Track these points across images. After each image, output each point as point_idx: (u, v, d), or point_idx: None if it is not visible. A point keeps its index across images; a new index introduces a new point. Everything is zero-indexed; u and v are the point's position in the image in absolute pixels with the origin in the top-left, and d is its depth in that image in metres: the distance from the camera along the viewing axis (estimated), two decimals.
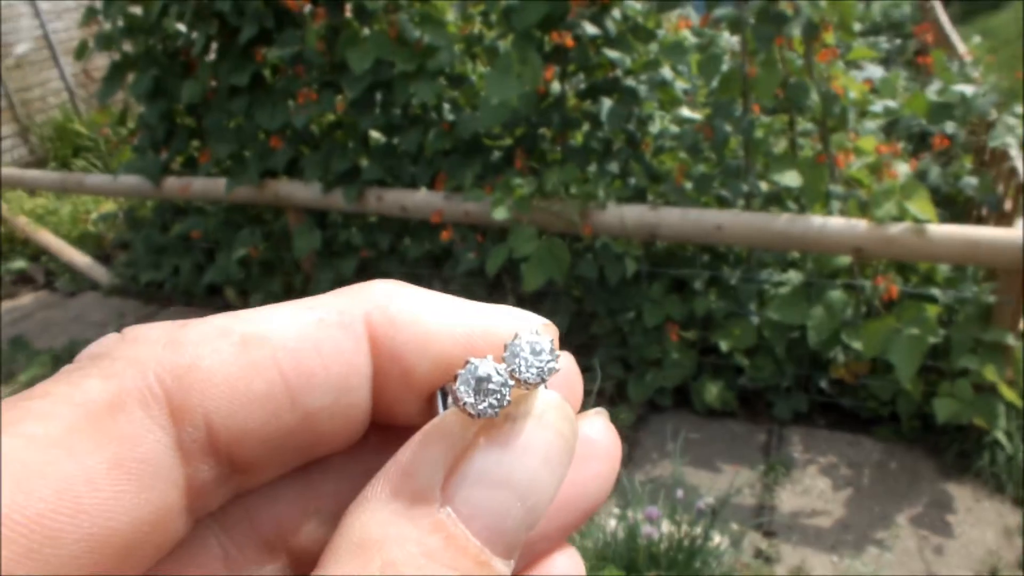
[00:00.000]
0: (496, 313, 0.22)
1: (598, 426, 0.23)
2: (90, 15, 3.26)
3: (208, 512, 0.20)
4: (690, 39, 2.73)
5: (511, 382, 0.19)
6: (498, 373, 0.19)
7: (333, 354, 0.20)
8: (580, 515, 0.22)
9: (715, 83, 2.50)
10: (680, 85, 2.87)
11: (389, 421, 0.22)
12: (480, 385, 0.19)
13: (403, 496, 0.18)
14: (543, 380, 0.20)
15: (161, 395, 0.18)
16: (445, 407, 0.21)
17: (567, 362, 0.23)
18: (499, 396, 0.19)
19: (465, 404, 0.19)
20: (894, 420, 2.49)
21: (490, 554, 0.18)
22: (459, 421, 0.19)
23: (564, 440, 0.20)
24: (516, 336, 0.20)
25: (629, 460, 2.49)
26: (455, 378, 0.19)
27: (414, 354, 0.21)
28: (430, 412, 0.21)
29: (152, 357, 0.18)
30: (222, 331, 0.19)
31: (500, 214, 2.40)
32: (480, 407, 0.19)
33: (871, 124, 2.84)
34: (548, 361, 0.20)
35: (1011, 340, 2.15)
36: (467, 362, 0.19)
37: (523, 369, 0.19)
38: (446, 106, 2.87)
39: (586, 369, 2.81)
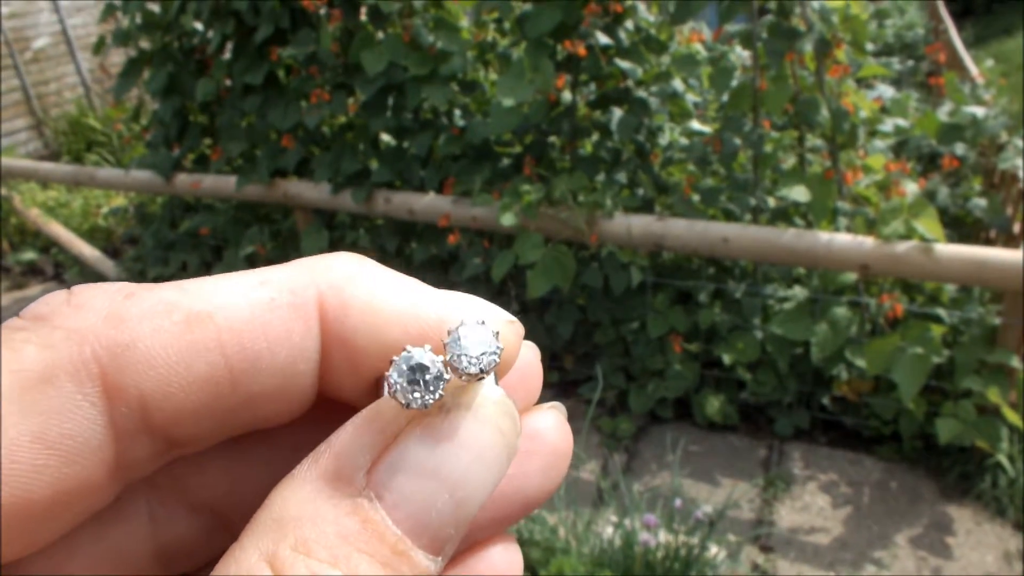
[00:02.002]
0: (456, 302, 0.21)
1: (548, 420, 0.22)
2: (109, 11, 3.29)
3: (139, 478, 0.20)
4: (702, 52, 2.74)
5: (447, 374, 0.19)
6: (434, 364, 0.19)
7: (280, 337, 0.19)
8: (519, 509, 0.22)
9: (725, 97, 2.51)
10: (691, 98, 2.88)
11: (335, 397, 0.21)
12: (414, 375, 0.18)
13: (327, 476, 0.18)
14: (482, 373, 0.19)
15: (96, 372, 0.17)
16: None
17: (527, 352, 0.22)
18: (432, 387, 0.18)
19: (396, 393, 0.18)
20: (896, 439, 2.47)
21: (411, 544, 0.18)
22: (394, 408, 0.19)
23: (502, 437, 0.19)
24: (458, 326, 0.19)
25: (628, 470, 2.48)
26: (390, 364, 0.19)
27: (363, 339, 0.20)
28: (375, 396, 0.21)
29: (91, 331, 0.18)
30: (168, 307, 0.18)
31: (507, 220, 2.40)
32: (411, 397, 0.18)
33: (881, 143, 2.85)
34: (489, 354, 0.19)
35: (1015, 362, 2.14)
36: (403, 350, 0.19)
37: (462, 361, 0.19)
38: (457, 111, 2.89)
39: (588, 378, 2.81)
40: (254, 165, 3.10)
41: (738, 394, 2.63)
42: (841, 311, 2.37)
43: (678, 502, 1.71)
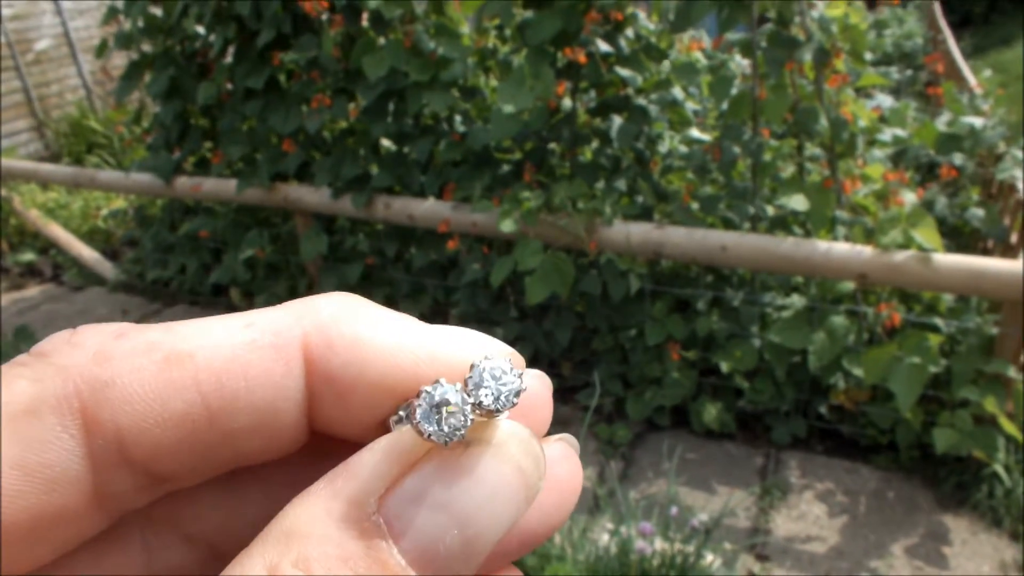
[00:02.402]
0: (447, 337, 0.21)
1: (557, 453, 0.22)
2: (112, 14, 3.30)
3: (131, 510, 0.20)
4: (702, 61, 2.75)
5: (472, 414, 0.19)
6: (461, 402, 0.18)
7: (259, 377, 0.20)
8: (520, 545, 0.21)
9: (725, 105, 2.52)
10: (690, 106, 2.89)
11: (331, 434, 0.21)
12: (439, 410, 0.18)
13: (340, 497, 0.18)
14: (505, 407, 0.19)
15: (77, 407, 0.18)
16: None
17: (536, 383, 0.22)
18: (458, 421, 0.18)
19: (419, 424, 0.18)
20: (893, 449, 2.48)
21: (415, 575, 0.18)
22: (414, 438, 0.19)
23: (521, 477, 0.19)
24: (477, 363, 0.19)
25: (624, 477, 2.48)
26: (416, 397, 0.19)
27: (351, 378, 0.20)
28: (374, 432, 0.21)
29: (77, 368, 0.19)
30: (149, 347, 0.19)
31: (507, 226, 2.41)
32: (437, 433, 0.18)
33: (879, 152, 2.86)
34: (511, 386, 0.19)
35: (1013, 373, 2.14)
36: (422, 390, 0.19)
37: (482, 395, 0.19)
38: (457, 117, 2.90)
39: (586, 385, 2.81)
40: (254, 169, 3.11)
41: (735, 402, 2.63)
42: (839, 320, 2.38)
43: (674, 510, 1.71)
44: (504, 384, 0.19)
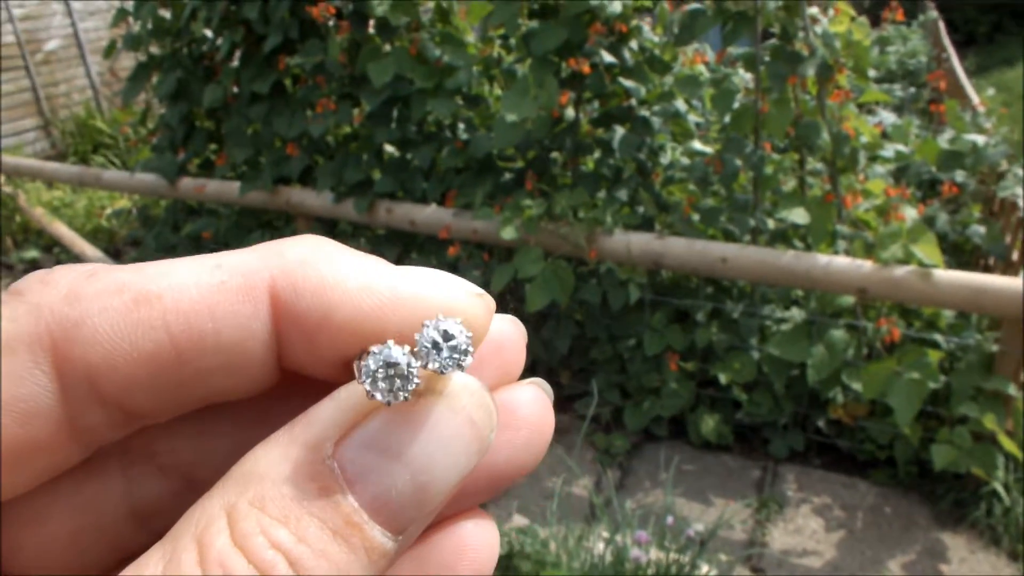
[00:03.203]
0: (414, 279, 0.21)
1: (526, 395, 0.22)
2: (121, 16, 3.32)
3: (108, 443, 0.21)
4: (705, 74, 2.76)
5: (417, 363, 0.19)
6: (408, 365, 0.19)
7: (227, 318, 0.20)
8: (488, 485, 0.22)
9: (727, 118, 2.53)
10: (693, 118, 2.90)
11: (301, 372, 0.22)
12: (386, 371, 0.19)
13: (297, 443, 0.19)
14: (450, 369, 0.19)
15: (48, 344, 0.19)
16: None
17: (509, 327, 0.23)
18: (402, 387, 0.19)
19: (366, 384, 0.19)
20: (891, 464, 2.47)
21: (366, 518, 0.18)
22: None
23: (474, 427, 0.20)
24: (425, 325, 0.19)
25: (621, 486, 2.48)
26: (360, 359, 0.19)
27: (316, 322, 0.20)
28: (341, 373, 0.21)
29: (49, 306, 0.19)
30: (119, 288, 0.20)
31: (508, 233, 2.41)
32: (390, 395, 0.19)
33: (881, 168, 2.86)
34: (458, 348, 0.19)
35: (1012, 390, 2.14)
36: (370, 350, 0.19)
37: (433, 355, 0.19)
38: (461, 125, 2.91)
39: (584, 394, 2.81)
40: (258, 172, 3.12)
41: (733, 414, 2.63)
42: (838, 334, 2.37)
43: (670, 520, 1.70)
44: (453, 346, 0.19)
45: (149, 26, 3.19)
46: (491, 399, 0.20)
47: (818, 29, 2.38)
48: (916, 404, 2.14)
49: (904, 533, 2.25)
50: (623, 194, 2.60)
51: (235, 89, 3.14)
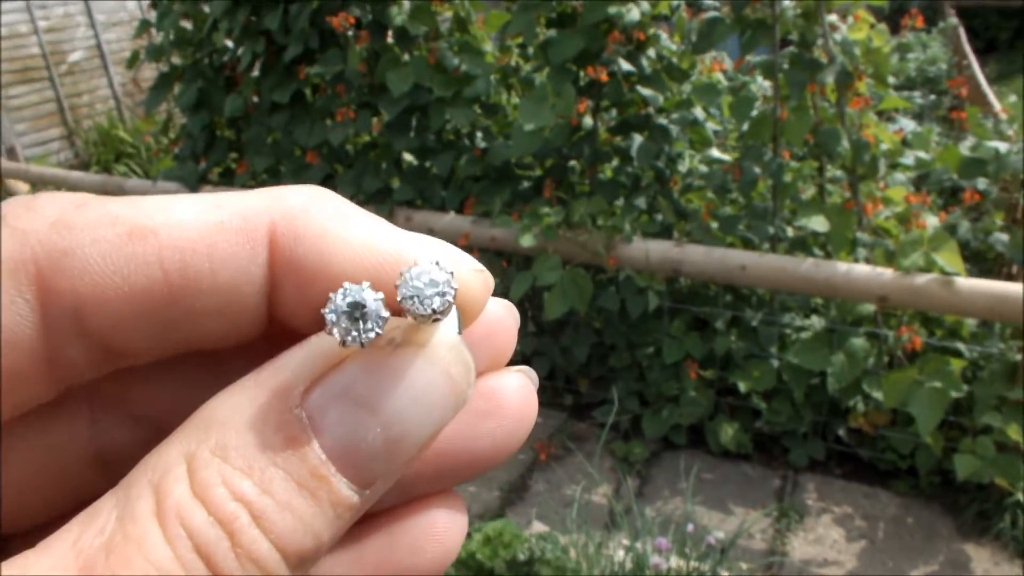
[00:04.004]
0: (417, 240, 0.20)
1: (512, 382, 0.22)
2: (144, 27, 3.37)
3: (83, 382, 0.20)
4: (723, 81, 2.76)
5: (385, 311, 0.18)
6: (372, 301, 0.18)
7: (224, 260, 0.19)
8: (466, 469, 0.21)
9: (746, 126, 2.53)
10: (711, 126, 2.90)
11: (289, 326, 0.21)
12: (351, 312, 0.18)
13: (263, 388, 0.18)
14: (436, 314, 0.18)
15: (33, 272, 0.18)
16: None
17: (501, 310, 0.22)
18: (370, 325, 0.18)
19: (332, 330, 0.18)
20: (912, 474, 2.45)
21: (334, 471, 0.17)
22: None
23: (449, 383, 0.19)
24: (412, 265, 0.19)
25: (640, 494, 2.47)
26: (326, 302, 0.18)
27: (312, 269, 0.20)
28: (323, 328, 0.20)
29: (35, 233, 0.18)
30: (112, 220, 0.19)
31: (526, 241, 2.42)
32: (348, 335, 0.18)
33: (901, 175, 2.84)
34: (441, 294, 0.18)
35: None
36: (343, 285, 0.18)
37: (413, 302, 0.18)
38: (479, 133, 2.92)
39: (602, 402, 2.81)
40: (278, 180, 3.15)
41: (752, 423, 2.61)
42: (859, 342, 2.36)
43: (690, 527, 1.70)
44: (433, 288, 0.18)
45: (171, 37, 3.23)
46: (470, 354, 0.19)
47: (837, 36, 2.37)
48: (938, 414, 2.12)
49: (927, 544, 2.22)
50: (641, 202, 2.61)
51: (255, 99, 3.17)
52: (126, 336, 0.19)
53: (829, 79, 2.30)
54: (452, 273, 0.19)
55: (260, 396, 0.18)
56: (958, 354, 2.32)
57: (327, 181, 3.10)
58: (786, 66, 2.36)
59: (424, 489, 0.21)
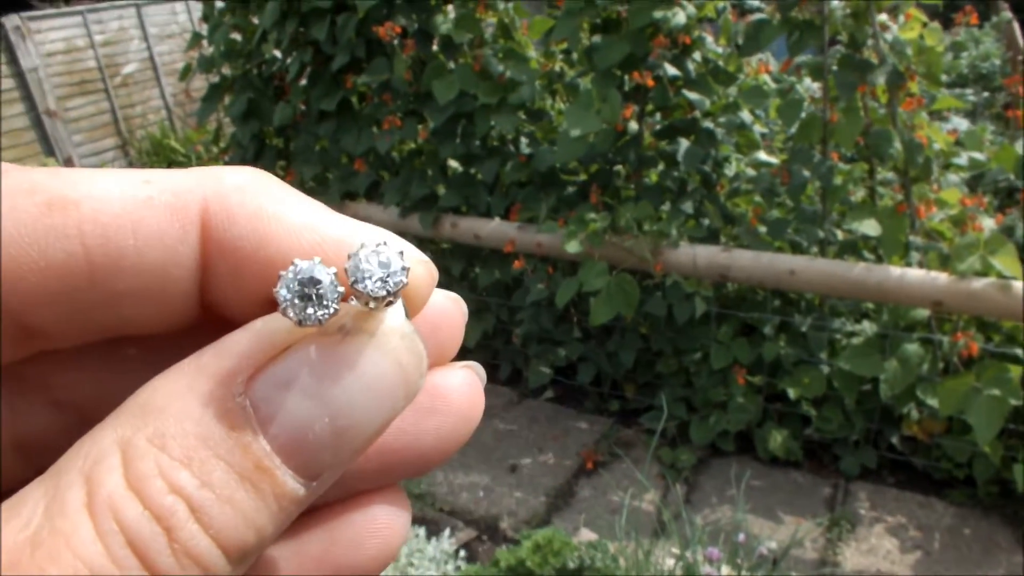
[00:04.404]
0: (357, 225, 0.20)
1: (458, 378, 0.21)
2: (196, 39, 3.46)
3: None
4: (770, 83, 2.73)
5: (341, 289, 0.17)
6: (326, 275, 0.17)
7: (151, 237, 0.18)
8: (409, 466, 0.21)
9: (794, 128, 2.49)
10: (758, 129, 2.87)
11: (223, 314, 0.20)
12: (304, 289, 0.17)
13: (205, 374, 0.17)
14: (389, 296, 0.17)
15: None
16: None
17: (447, 303, 0.21)
18: (326, 302, 0.17)
19: (287, 310, 0.17)
20: (970, 484, 2.39)
21: (279, 463, 0.17)
22: (289, 322, 0.17)
23: (402, 372, 0.18)
24: (361, 245, 0.18)
25: (687, 501, 2.45)
26: (278, 279, 0.17)
27: (247, 252, 0.19)
28: (265, 313, 0.19)
29: None
30: (32, 188, 0.17)
31: (572, 247, 2.42)
32: (304, 313, 0.17)
33: (955, 177, 2.78)
34: (394, 275, 0.17)
35: None
36: (291, 263, 0.17)
37: (365, 283, 0.17)
38: (524, 139, 2.94)
39: (648, 408, 2.79)
40: (326, 187, 3.20)
41: (802, 430, 2.58)
42: (912, 348, 2.31)
43: (741, 536, 1.68)
44: (388, 269, 0.18)
45: (222, 49, 3.31)
46: (423, 345, 0.19)
47: (888, 36, 2.33)
48: (997, 422, 2.07)
49: (985, 556, 2.17)
50: (688, 206, 2.59)
51: (303, 108, 3.23)
52: (44, 315, 0.18)
53: (880, 80, 2.26)
54: (403, 254, 0.18)
55: (201, 382, 0.17)
56: (1017, 360, 2.26)
57: (374, 188, 3.15)
58: (835, 67, 2.33)
59: (366, 485, 0.21)
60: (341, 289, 0.17)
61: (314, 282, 0.17)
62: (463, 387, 0.21)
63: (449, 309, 0.21)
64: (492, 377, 3.06)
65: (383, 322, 0.18)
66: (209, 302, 0.20)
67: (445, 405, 0.21)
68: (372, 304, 0.18)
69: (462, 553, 2.01)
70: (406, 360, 0.18)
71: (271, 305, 0.18)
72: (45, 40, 5.66)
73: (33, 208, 0.17)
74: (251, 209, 0.19)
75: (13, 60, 5.45)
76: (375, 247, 0.18)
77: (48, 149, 5.75)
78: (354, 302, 0.18)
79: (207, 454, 0.16)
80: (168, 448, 0.16)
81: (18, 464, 0.21)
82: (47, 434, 0.21)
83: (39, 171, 0.18)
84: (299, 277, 0.17)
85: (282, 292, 0.17)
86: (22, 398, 0.20)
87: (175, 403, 0.16)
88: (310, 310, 0.17)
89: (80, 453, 0.16)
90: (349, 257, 0.18)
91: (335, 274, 0.17)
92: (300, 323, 0.17)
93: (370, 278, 0.17)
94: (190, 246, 0.19)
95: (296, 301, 0.17)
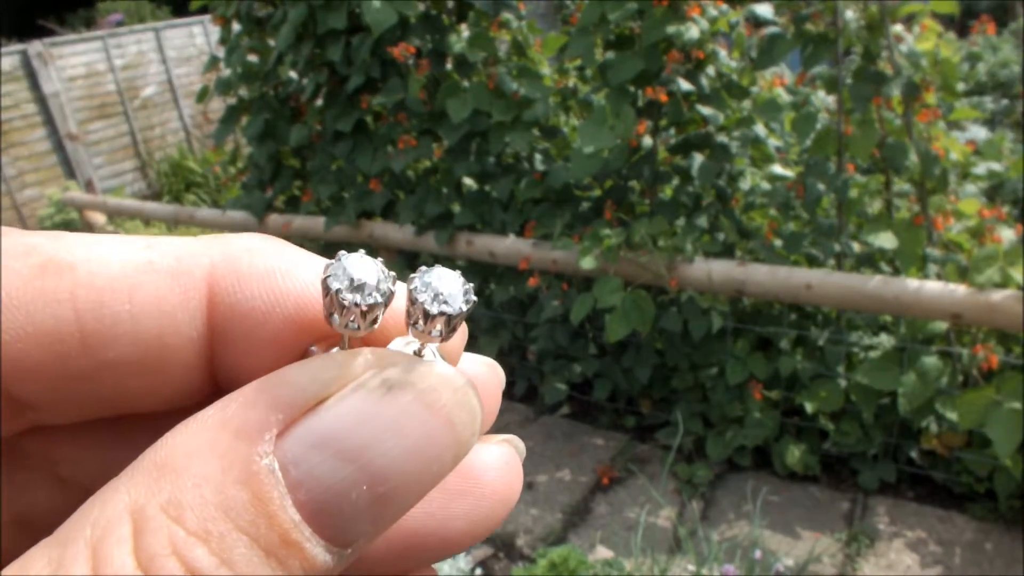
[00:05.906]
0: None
1: (494, 455, 0.19)
2: (213, 62, 3.52)
3: None
4: (784, 97, 2.73)
5: (392, 287, 0.16)
6: (380, 272, 0.16)
7: (147, 304, 0.17)
8: (434, 553, 0.19)
9: (809, 141, 2.49)
10: (773, 142, 2.87)
11: (239, 384, 0.18)
12: (354, 284, 0.16)
13: (229, 429, 0.15)
14: (463, 313, 0.16)
15: None
16: None
17: (485, 371, 0.20)
18: (372, 294, 0.16)
19: (328, 285, 0.16)
20: (991, 498, 2.36)
21: (308, 534, 0.15)
22: (326, 367, 0.16)
23: (453, 432, 0.16)
24: (429, 266, 0.17)
25: (704, 517, 2.44)
26: (324, 269, 0.16)
27: (261, 314, 0.17)
28: None
29: None
30: (27, 250, 0.17)
31: (587, 263, 2.43)
32: (351, 301, 0.16)
33: (973, 187, 2.76)
34: (465, 293, 0.16)
35: None
36: (338, 255, 0.16)
37: (428, 297, 0.16)
38: (538, 156, 2.95)
39: (665, 423, 2.78)
40: (342, 207, 3.23)
41: (820, 444, 2.56)
42: (931, 361, 2.29)
43: (758, 553, 1.67)
44: (447, 292, 0.16)
45: (239, 71, 3.37)
46: (477, 397, 0.17)
47: (903, 48, 2.33)
48: (1017, 435, 2.04)
49: (1007, 571, 2.14)
50: (703, 221, 2.59)
51: (319, 128, 3.27)
52: (31, 385, 0.17)
53: (895, 92, 2.25)
54: (469, 288, 0.17)
55: (224, 438, 0.15)
56: None
57: (389, 206, 3.18)
58: (850, 80, 2.33)
59: (383, 571, 0.19)
60: (392, 287, 0.16)
61: (362, 284, 0.16)
62: (500, 467, 0.19)
63: (485, 376, 0.20)
64: (507, 394, 3.07)
65: (431, 374, 0.16)
66: (221, 375, 0.19)
67: (478, 488, 0.19)
68: (422, 324, 0.16)
69: (478, 571, 2.01)
70: (458, 417, 0.16)
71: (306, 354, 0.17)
72: (67, 65, 5.78)
73: (25, 271, 0.16)
74: (262, 269, 0.18)
75: (35, 85, 5.57)
76: (441, 271, 0.17)
77: (69, 172, 5.86)
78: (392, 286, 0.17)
79: (227, 527, 0.14)
80: (184, 520, 0.14)
81: (19, 539, 0.19)
82: (50, 509, 0.20)
83: (40, 234, 0.17)
84: (349, 273, 0.16)
85: (332, 280, 0.16)
86: (23, 473, 0.19)
87: (194, 463, 0.15)
88: (357, 297, 0.16)
89: (89, 519, 0.15)
90: (412, 278, 0.17)
91: (391, 276, 0.17)
92: (341, 314, 0.16)
93: (432, 293, 0.16)
94: (192, 313, 0.17)
95: (349, 293, 0.16)
